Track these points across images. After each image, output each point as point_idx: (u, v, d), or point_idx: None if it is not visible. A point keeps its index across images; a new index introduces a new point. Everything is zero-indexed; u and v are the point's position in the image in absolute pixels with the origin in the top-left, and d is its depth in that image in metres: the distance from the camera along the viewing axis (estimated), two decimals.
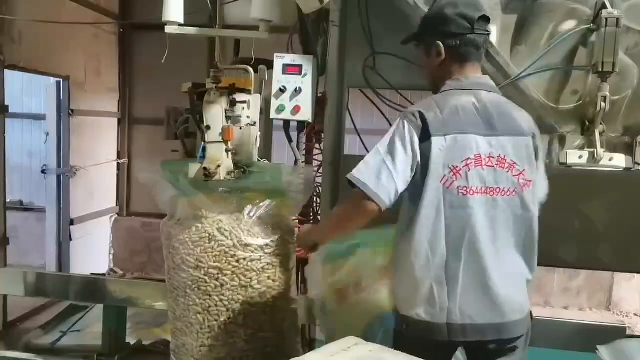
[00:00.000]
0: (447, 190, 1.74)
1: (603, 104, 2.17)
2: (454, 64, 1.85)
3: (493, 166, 1.76)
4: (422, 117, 1.76)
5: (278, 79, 2.40)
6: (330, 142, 2.51)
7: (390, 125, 3.05)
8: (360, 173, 1.76)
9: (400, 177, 1.74)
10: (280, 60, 2.41)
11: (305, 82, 2.39)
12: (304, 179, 2.16)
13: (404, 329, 1.85)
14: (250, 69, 2.35)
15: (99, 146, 6.43)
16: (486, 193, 1.76)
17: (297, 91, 2.38)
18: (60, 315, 3.41)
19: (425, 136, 1.75)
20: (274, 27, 2.49)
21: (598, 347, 2.35)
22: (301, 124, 2.53)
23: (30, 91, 7.05)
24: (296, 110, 2.40)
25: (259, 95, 2.43)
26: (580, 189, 2.45)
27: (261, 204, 2.04)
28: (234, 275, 1.97)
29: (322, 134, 2.56)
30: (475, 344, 1.82)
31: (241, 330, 2.00)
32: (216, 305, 1.99)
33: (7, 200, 4.85)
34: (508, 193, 1.77)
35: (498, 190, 1.77)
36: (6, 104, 4.57)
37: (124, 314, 2.72)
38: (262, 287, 2.01)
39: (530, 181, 1.79)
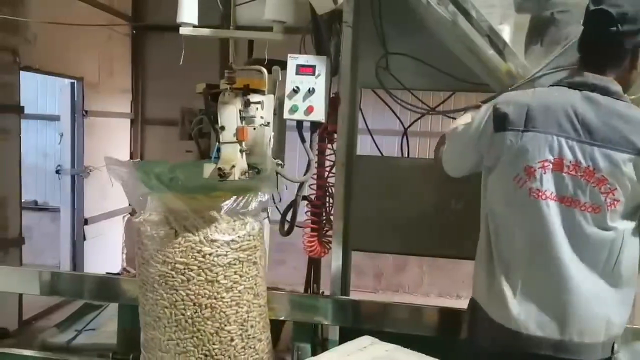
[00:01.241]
0: (519, 189, 1.67)
1: None
2: (579, 60, 1.77)
3: (576, 175, 1.62)
4: (505, 106, 1.71)
5: (291, 79, 2.41)
6: (343, 143, 2.52)
7: (403, 125, 3.10)
8: (449, 137, 1.98)
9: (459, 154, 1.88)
10: (293, 60, 2.42)
11: (319, 83, 2.39)
12: (268, 173, 2.23)
13: (470, 312, 1.87)
14: (264, 70, 2.36)
15: (112, 147, 6.48)
16: (562, 202, 1.64)
17: (311, 91, 2.39)
18: (74, 314, 3.43)
19: (501, 126, 1.69)
20: (286, 28, 2.50)
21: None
22: (314, 125, 2.54)
23: (44, 92, 7.13)
24: (309, 110, 2.40)
25: (273, 95, 2.44)
26: None
27: (227, 201, 2.09)
28: (200, 270, 2.03)
29: (335, 134, 2.57)
30: (530, 357, 1.72)
31: (207, 324, 2.05)
32: (182, 300, 2.04)
33: (22, 200, 4.91)
34: (590, 209, 1.63)
35: (577, 202, 1.63)
36: (21, 105, 4.62)
37: (137, 312, 2.74)
38: (229, 282, 2.06)
39: (619, 201, 1.62)
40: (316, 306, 2.46)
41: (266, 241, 2.68)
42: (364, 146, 3.55)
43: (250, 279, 2.12)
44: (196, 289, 2.03)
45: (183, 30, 2.45)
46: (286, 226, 2.66)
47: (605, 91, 1.68)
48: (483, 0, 2.14)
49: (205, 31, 2.49)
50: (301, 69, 2.40)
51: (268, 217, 2.69)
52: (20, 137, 4.65)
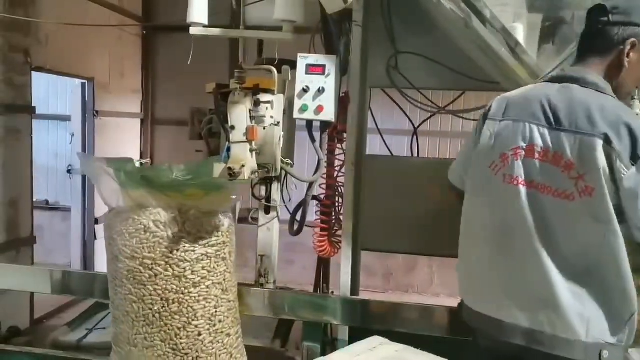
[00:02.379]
0: (494, 176, 1.72)
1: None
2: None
3: (546, 162, 1.65)
4: (492, 103, 1.80)
5: (301, 79, 2.41)
6: (353, 142, 2.52)
7: (413, 125, 3.09)
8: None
9: (462, 162, 1.91)
10: (303, 60, 2.42)
11: (329, 82, 2.39)
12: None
13: (461, 312, 1.91)
14: (274, 70, 2.37)
15: (123, 147, 6.51)
16: (534, 188, 1.66)
17: (320, 91, 2.38)
18: (85, 313, 3.44)
19: (484, 121, 1.79)
20: (296, 27, 2.50)
21: (629, 349, 2.31)
22: (324, 124, 2.53)
23: (56, 93, 7.17)
24: (319, 110, 2.40)
25: (283, 95, 2.44)
26: None
27: (199, 198, 2.13)
28: (168, 266, 2.07)
29: (345, 134, 2.56)
30: (507, 348, 1.71)
31: (175, 319, 2.08)
32: (150, 295, 2.08)
33: (34, 199, 4.94)
34: (563, 196, 1.62)
35: (548, 189, 1.64)
36: (33, 105, 4.66)
37: None
38: (196, 277, 2.10)
39: (592, 188, 1.58)
40: (326, 306, 2.46)
41: (275, 241, 2.69)
42: (374, 146, 3.54)
43: (219, 274, 2.15)
44: (163, 284, 2.07)
45: (193, 30, 2.45)
46: (296, 226, 2.66)
47: (583, 82, 1.70)
48: None
49: (215, 31, 2.49)
50: (311, 69, 2.40)
51: (278, 217, 2.69)
52: (31, 137, 4.67)
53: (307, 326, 2.51)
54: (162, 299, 2.07)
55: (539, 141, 1.66)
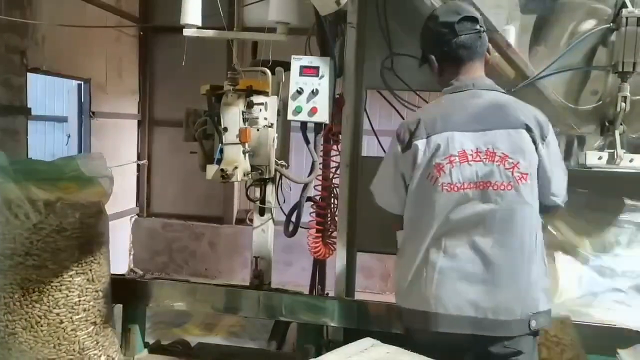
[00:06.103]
0: (432, 186, 1.82)
1: (623, 104, 2.14)
2: (449, 70, 1.94)
3: (481, 160, 1.79)
4: (404, 129, 1.89)
5: (295, 80, 2.41)
6: (348, 144, 2.52)
7: None
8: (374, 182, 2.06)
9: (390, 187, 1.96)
10: (297, 62, 2.42)
11: (323, 84, 2.39)
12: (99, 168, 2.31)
13: (402, 322, 1.96)
14: (268, 71, 2.36)
15: (120, 148, 6.50)
16: (476, 188, 1.79)
17: (314, 93, 2.38)
18: None
19: (408, 145, 1.86)
20: (292, 29, 2.50)
21: (618, 350, 2.31)
22: (318, 126, 2.53)
23: (52, 94, 7.17)
24: (313, 111, 2.40)
25: (276, 97, 2.44)
26: (599, 190, 2.42)
27: (73, 192, 2.20)
28: (28, 256, 2.14)
29: (340, 136, 2.56)
30: (457, 340, 1.80)
31: (35, 307, 2.15)
32: (11, 284, 2.16)
33: None
34: (502, 187, 1.78)
35: (489, 184, 1.78)
36: (29, 106, 4.65)
37: (143, 313, 2.74)
38: (58, 267, 2.16)
39: (526, 174, 1.79)
40: (323, 307, 2.45)
41: (270, 243, 2.69)
42: (371, 147, 3.54)
43: (84, 264, 2.21)
44: (24, 273, 2.14)
45: (187, 32, 2.45)
46: (291, 227, 2.66)
47: (482, 86, 1.90)
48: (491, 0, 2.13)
49: (208, 32, 2.49)
50: (305, 70, 2.40)
51: (272, 218, 2.69)
52: (27, 138, 4.67)
53: (302, 328, 2.51)
54: (22, 288, 2.14)
55: (469, 145, 1.80)
